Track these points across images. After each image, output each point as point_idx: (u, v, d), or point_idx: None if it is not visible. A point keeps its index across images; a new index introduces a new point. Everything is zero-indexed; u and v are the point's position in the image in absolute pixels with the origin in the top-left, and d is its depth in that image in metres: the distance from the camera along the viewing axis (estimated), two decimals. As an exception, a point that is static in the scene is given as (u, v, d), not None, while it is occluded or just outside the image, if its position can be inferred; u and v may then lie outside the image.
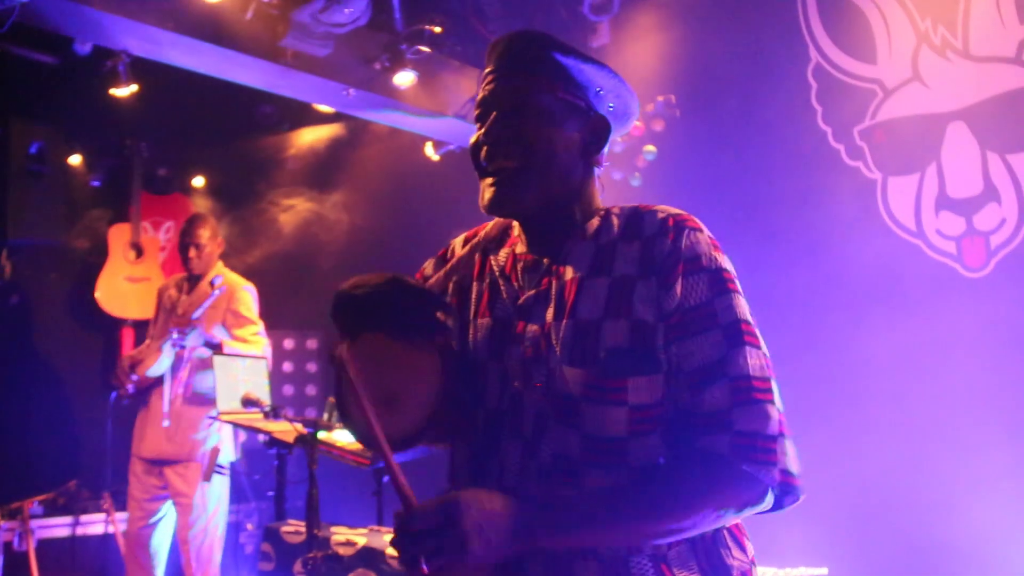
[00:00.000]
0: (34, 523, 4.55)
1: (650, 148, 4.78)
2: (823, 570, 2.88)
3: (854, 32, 4.25)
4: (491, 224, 1.56)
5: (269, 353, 4.43)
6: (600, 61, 1.46)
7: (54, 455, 5.22)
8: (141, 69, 4.10)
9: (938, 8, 4.03)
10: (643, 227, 1.36)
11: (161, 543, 4.32)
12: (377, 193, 5.87)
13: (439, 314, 1.36)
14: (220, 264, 4.52)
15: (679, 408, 1.29)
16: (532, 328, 1.36)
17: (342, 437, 3.52)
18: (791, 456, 1.26)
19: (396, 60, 4.19)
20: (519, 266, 1.45)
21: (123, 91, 4.01)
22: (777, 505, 1.28)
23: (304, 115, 5.87)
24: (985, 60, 3.89)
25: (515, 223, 1.49)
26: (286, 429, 3.47)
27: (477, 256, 1.51)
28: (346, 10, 3.60)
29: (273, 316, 5.97)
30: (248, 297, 4.42)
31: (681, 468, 1.27)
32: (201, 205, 6.32)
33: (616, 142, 4.85)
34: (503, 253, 1.49)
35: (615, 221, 1.41)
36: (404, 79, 4.28)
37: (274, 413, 3.55)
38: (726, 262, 1.35)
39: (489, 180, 1.39)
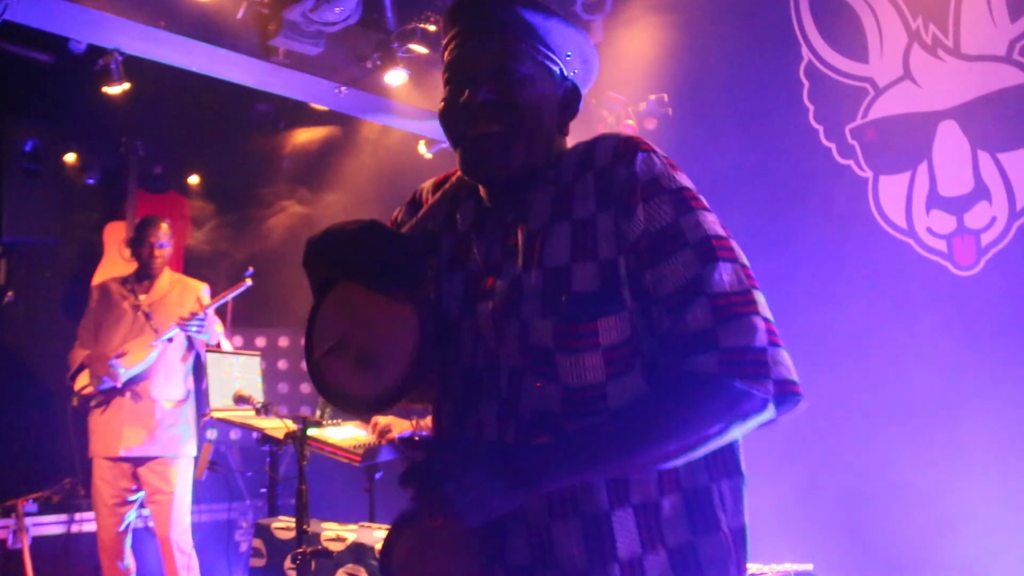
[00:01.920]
0: (28, 521, 4.54)
1: (643, 146, 4.78)
2: (808, 566, 2.89)
3: (846, 31, 4.26)
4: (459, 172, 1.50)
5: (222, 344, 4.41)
6: (560, 15, 1.41)
7: (48, 453, 5.22)
8: (137, 68, 4.10)
9: (929, 7, 4.04)
10: (595, 158, 1.32)
11: (129, 547, 4.25)
12: (371, 191, 5.88)
13: (419, 262, 1.33)
14: (167, 268, 4.51)
15: (661, 335, 1.25)
16: (502, 282, 1.33)
17: (333, 434, 3.53)
18: (784, 363, 1.23)
19: (388, 59, 4.20)
20: (486, 221, 1.42)
21: (116, 89, 4.02)
22: (778, 413, 1.24)
23: (299, 114, 5.88)
24: (976, 59, 3.90)
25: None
26: (277, 426, 3.47)
27: (447, 206, 1.47)
28: (336, 9, 3.60)
29: (268, 314, 5.99)
30: (208, 298, 4.43)
31: (674, 389, 1.23)
32: (196, 203, 6.33)
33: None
34: (472, 204, 1.45)
35: (570, 159, 1.37)
36: (396, 78, 4.28)
37: (265, 410, 3.56)
38: (685, 179, 1.31)
39: (469, 146, 1.35)
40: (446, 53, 1.41)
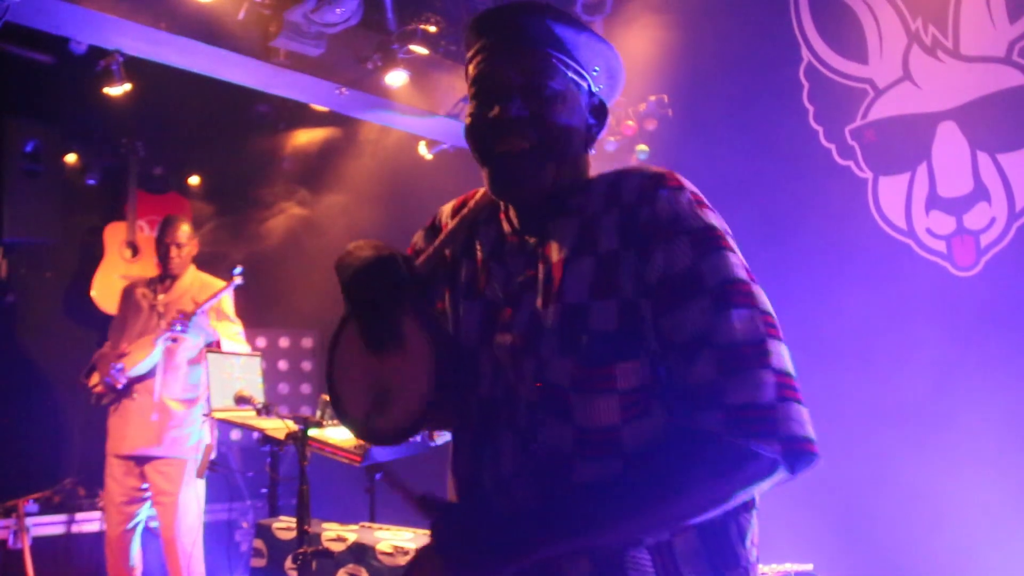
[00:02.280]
0: (29, 521, 4.55)
1: (643, 147, 4.79)
2: (809, 566, 2.89)
3: (845, 32, 4.26)
4: (480, 193, 1.46)
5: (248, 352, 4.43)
6: (590, 29, 1.38)
7: (49, 453, 5.23)
8: (138, 69, 4.11)
9: (929, 8, 4.04)
10: (622, 193, 1.27)
11: (137, 546, 4.27)
12: (372, 192, 5.89)
13: (432, 301, 1.33)
14: (192, 265, 4.53)
15: (673, 385, 1.20)
16: (521, 315, 1.30)
17: (334, 434, 3.54)
18: (797, 420, 1.15)
19: (388, 60, 4.21)
20: (506, 247, 1.38)
21: (117, 90, 4.02)
22: (792, 472, 1.16)
23: (299, 115, 5.89)
24: (975, 60, 3.91)
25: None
26: (278, 426, 3.48)
27: (466, 231, 1.44)
28: (337, 10, 3.61)
29: (268, 314, 6.00)
30: (228, 297, 4.44)
31: (678, 451, 1.18)
32: (197, 204, 6.34)
33: (608, 140, 4.88)
34: (492, 231, 1.42)
35: (597, 190, 1.32)
36: (396, 79, 4.29)
37: (266, 410, 3.56)
38: (712, 218, 1.25)
39: (499, 163, 1.31)
40: (471, 67, 1.36)
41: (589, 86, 1.36)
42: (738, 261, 1.23)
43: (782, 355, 1.19)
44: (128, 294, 4.51)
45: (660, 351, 1.21)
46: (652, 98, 4.78)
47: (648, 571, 1.20)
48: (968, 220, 3.88)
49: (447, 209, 1.52)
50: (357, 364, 1.37)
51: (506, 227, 1.39)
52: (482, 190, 1.45)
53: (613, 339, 1.21)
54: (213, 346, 4.27)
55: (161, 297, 4.39)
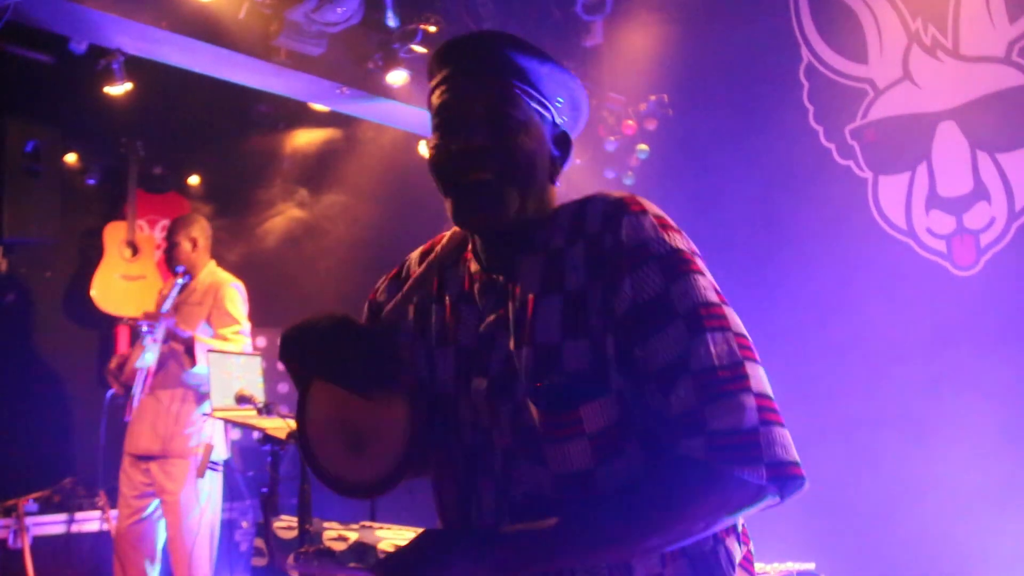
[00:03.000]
0: (29, 520, 4.54)
1: (643, 147, 4.80)
2: (810, 565, 2.90)
3: (846, 32, 4.27)
4: (447, 236, 1.44)
5: (250, 351, 4.45)
6: (554, 60, 1.35)
7: (49, 452, 5.22)
8: (138, 68, 4.11)
9: (929, 8, 4.05)
10: (585, 224, 1.25)
11: (151, 541, 4.29)
12: (372, 191, 5.89)
13: (394, 362, 1.28)
14: (212, 263, 4.55)
15: (654, 415, 1.18)
16: (495, 357, 1.28)
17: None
18: (781, 444, 1.14)
19: (389, 59, 4.21)
20: (476, 287, 1.35)
21: (117, 89, 4.02)
22: (780, 497, 1.16)
23: (300, 115, 5.88)
24: (975, 60, 3.92)
25: (476, 238, 1.36)
26: (279, 426, 3.48)
27: (434, 275, 1.40)
28: (339, 9, 3.61)
29: (268, 314, 5.99)
30: (234, 294, 4.44)
31: (662, 477, 1.17)
32: (197, 204, 6.33)
33: (608, 140, 4.89)
34: (460, 272, 1.39)
35: (561, 223, 1.29)
36: (397, 78, 4.29)
37: (267, 410, 3.56)
38: (678, 240, 1.22)
39: (462, 193, 1.28)
40: (435, 96, 1.34)
41: (553, 117, 1.34)
42: (708, 283, 1.20)
43: (760, 377, 1.18)
44: (159, 294, 4.57)
45: (634, 382, 1.19)
46: (652, 98, 4.79)
47: None
48: (968, 220, 3.89)
49: (415, 256, 1.48)
50: (330, 417, 1.35)
51: (473, 266, 1.36)
52: (448, 234, 1.43)
53: (580, 379, 1.19)
54: (189, 344, 4.27)
55: (175, 296, 4.42)
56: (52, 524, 4.66)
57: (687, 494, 1.14)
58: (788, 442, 1.16)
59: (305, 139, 6.24)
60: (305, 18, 3.76)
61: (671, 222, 1.25)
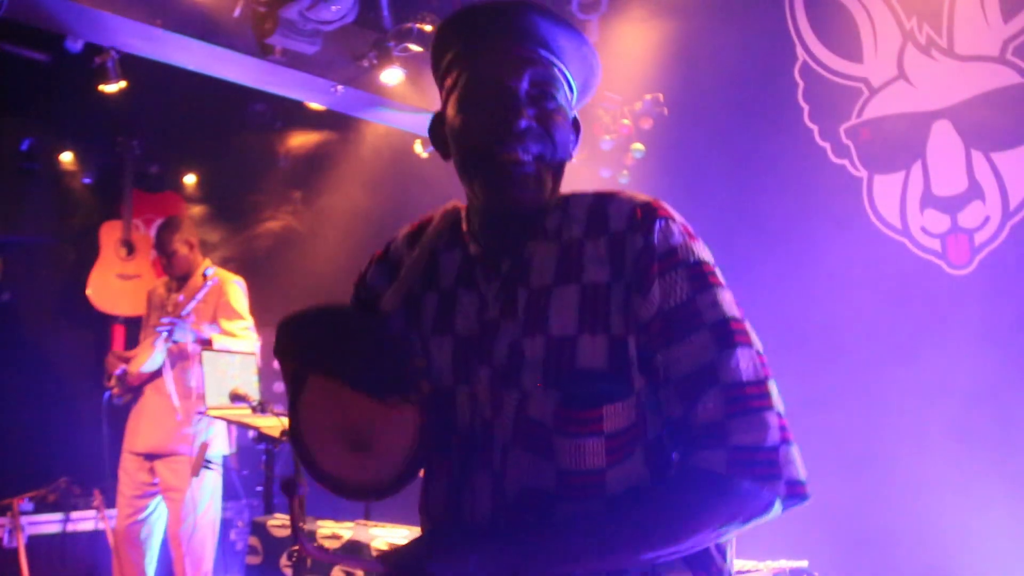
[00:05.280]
0: (24, 520, 4.55)
1: (638, 146, 4.80)
2: (803, 563, 2.90)
3: (840, 31, 4.27)
4: (437, 217, 1.39)
5: (258, 349, 4.45)
6: (581, 34, 1.30)
7: (44, 452, 5.22)
8: (134, 66, 4.11)
9: (923, 7, 4.05)
10: (608, 220, 1.23)
11: (149, 540, 4.31)
12: (369, 189, 5.89)
13: (414, 369, 1.20)
14: (207, 261, 4.56)
15: (670, 420, 1.18)
16: (500, 345, 1.24)
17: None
18: (794, 462, 1.15)
19: (384, 57, 4.21)
20: (476, 271, 1.30)
21: (112, 87, 4.02)
22: (784, 508, 1.17)
23: (296, 114, 5.89)
24: (970, 59, 3.92)
25: (478, 219, 1.31)
26: (273, 424, 3.48)
27: (427, 259, 1.35)
28: (333, 7, 3.62)
29: (266, 313, 5.99)
30: (238, 291, 4.45)
31: (678, 485, 1.17)
32: (193, 203, 6.34)
33: (604, 139, 4.89)
34: (456, 256, 1.34)
35: (576, 214, 1.27)
36: (392, 76, 4.30)
37: (261, 408, 3.56)
38: (704, 252, 1.22)
39: (499, 174, 1.22)
40: (462, 66, 1.26)
41: (572, 100, 1.32)
42: (731, 298, 1.21)
43: (778, 396, 1.19)
44: (152, 293, 4.57)
45: (647, 387, 1.19)
46: (648, 96, 4.79)
47: None
48: (962, 219, 3.89)
49: (402, 237, 1.43)
50: (329, 417, 1.28)
51: (472, 249, 1.31)
52: (439, 214, 1.39)
53: (602, 378, 1.18)
54: (206, 344, 4.28)
55: (174, 296, 4.41)
56: (47, 523, 4.67)
57: (706, 505, 1.14)
58: (800, 461, 1.17)
59: (301, 137, 6.24)
60: (300, 16, 3.76)
61: (693, 231, 1.24)
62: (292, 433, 1.31)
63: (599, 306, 1.19)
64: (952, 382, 3.68)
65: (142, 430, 4.27)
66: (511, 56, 1.23)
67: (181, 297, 4.31)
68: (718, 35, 4.57)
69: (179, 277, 4.45)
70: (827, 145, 4.27)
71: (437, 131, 1.35)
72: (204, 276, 4.30)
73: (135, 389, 4.32)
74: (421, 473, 1.32)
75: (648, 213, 1.21)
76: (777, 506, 1.16)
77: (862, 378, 3.93)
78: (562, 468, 1.19)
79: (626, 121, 4.82)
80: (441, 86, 1.33)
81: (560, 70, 1.26)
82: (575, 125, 1.34)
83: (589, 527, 1.16)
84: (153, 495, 4.30)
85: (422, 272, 1.35)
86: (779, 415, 1.17)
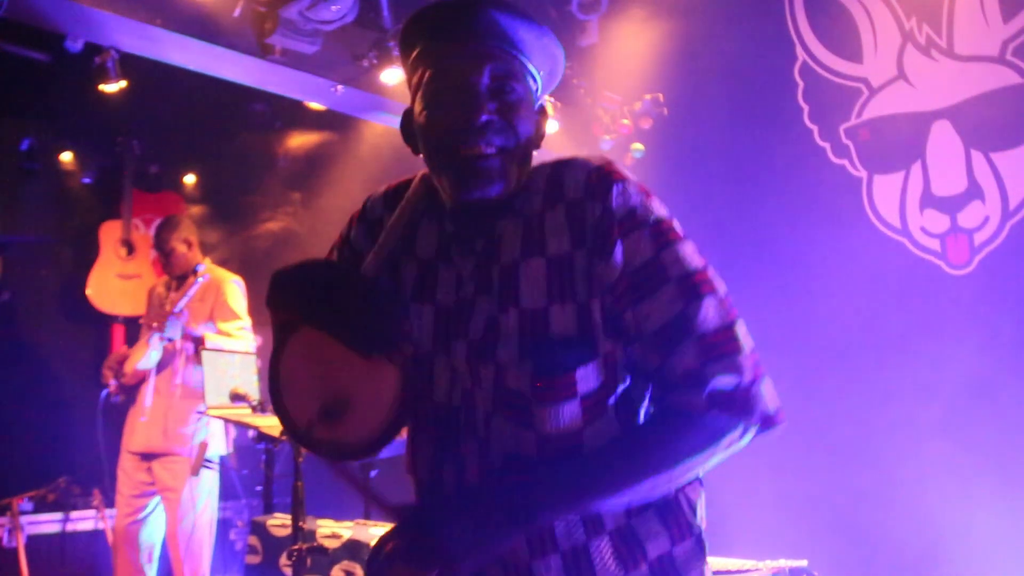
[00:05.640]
0: (24, 519, 4.54)
1: (638, 146, 4.80)
2: (803, 562, 2.90)
3: (840, 31, 4.28)
4: (416, 183, 1.41)
5: (255, 348, 4.45)
6: (541, 25, 1.32)
7: (44, 451, 5.22)
8: (133, 66, 4.10)
9: (923, 7, 4.06)
10: (564, 188, 1.26)
11: (149, 539, 4.31)
12: (368, 189, 5.83)
13: (401, 327, 1.26)
14: (208, 261, 4.55)
15: (644, 373, 1.26)
16: (476, 319, 1.28)
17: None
18: (768, 396, 1.23)
19: (384, 57, 4.21)
20: (452, 247, 1.34)
21: (112, 87, 4.02)
22: (759, 434, 1.25)
23: (296, 113, 5.89)
24: (969, 59, 3.92)
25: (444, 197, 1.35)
26: (273, 424, 3.48)
27: (404, 228, 1.38)
28: (333, 7, 3.61)
29: (264, 312, 5.99)
30: (235, 290, 4.44)
31: (658, 423, 1.25)
32: (193, 202, 6.33)
33: (603, 139, 4.89)
34: (434, 227, 1.37)
35: (535, 185, 1.30)
36: (392, 76, 4.29)
37: (262, 408, 3.56)
38: (660, 209, 1.26)
39: (464, 169, 1.26)
40: (425, 64, 1.30)
41: (538, 89, 1.35)
42: (692, 249, 1.26)
43: (746, 332, 1.25)
44: (152, 292, 4.57)
45: (615, 346, 1.24)
46: (647, 96, 4.79)
47: (609, 557, 1.25)
48: (962, 219, 3.90)
49: (378, 198, 1.46)
50: (310, 374, 1.30)
51: (448, 226, 1.35)
52: (416, 180, 1.41)
53: (573, 344, 1.23)
54: (198, 342, 4.27)
55: (172, 295, 4.41)
56: (47, 523, 4.67)
57: (685, 437, 1.21)
58: (773, 390, 1.25)
59: (301, 137, 6.24)
60: (299, 16, 3.75)
61: (648, 189, 1.28)
62: (271, 382, 1.33)
63: (564, 275, 1.24)
64: (951, 382, 3.68)
65: (138, 430, 4.26)
66: (471, 52, 1.27)
67: (186, 297, 4.30)
68: (718, 35, 4.57)
69: (178, 276, 4.45)
70: (827, 145, 4.27)
71: (407, 127, 1.39)
72: (195, 272, 4.30)
73: (131, 388, 4.32)
74: (403, 435, 1.36)
75: (603, 178, 1.25)
76: (751, 433, 1.23)
77: (861, 377, 3.93)
78: (542, 433, 1.24)
79: (626, 121, 4.82)
80: (408, 82, 1.37)
81: (521, 62, 1.30)
82: (542, 112, 1.37)
83: (575, 469, 1.22)
84: (152, 495, 4.30)
85: (401, 238, 1.37)
86: (750, 354, 1.23)
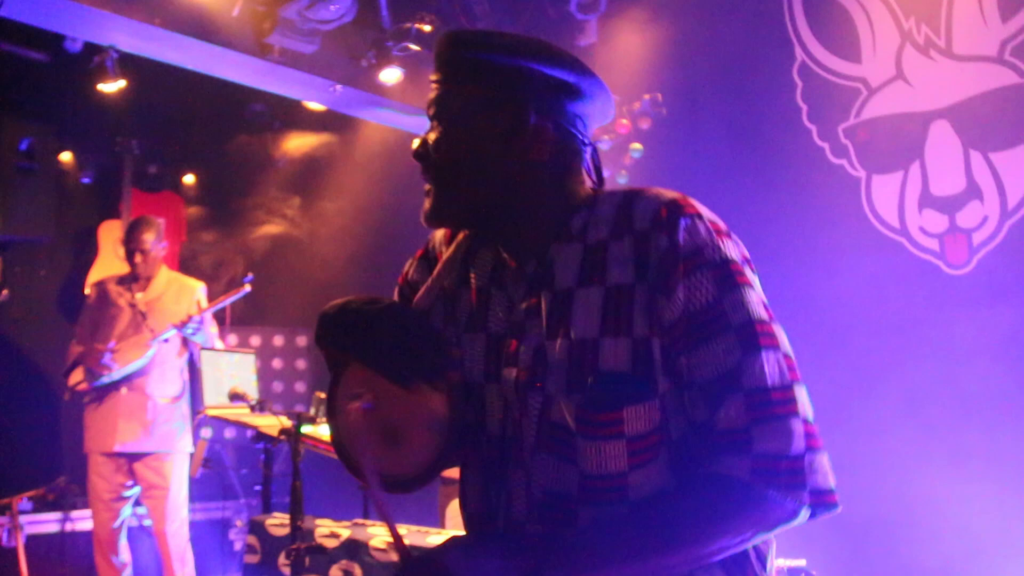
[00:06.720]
0: (23, 519, 4.54)
1: (637, 146, 4.80)
2: (801, 562, 2.90)
3: (839, 31, 4.28)
4: None
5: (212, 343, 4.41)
6: (527, 53, 1.24)
7: (43, 451, 5.22)
8: (133, 66, 4.11)
9: (922, 7, 4.06)
10: (633, 219, 1.19)
11: (127, 540, 4.29)
12: (366, 189, 5.90)
13: (447, 357, 1.24)
14: (164, 266, 4.50)
15: (694, 424, 1.16)
16: (527, 347, 1.23)
17: (327, 431, 3.53)
18: (822, 472, 1.13)
19: (382, 57, 4.21)
20: (506, 272, 1.30)
21: (111, 86, 4.03)
22: (811, 516, 1.15)
23: (295, 113, 5.90)
24: (968, 59, 3.92)
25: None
26: (272, 423, 3.48)
27: (461, 259, 1.36)
28: (332, 7, 3.62)
29: (264, 313, 6.00)
30: (202, 296, 4.47)
31: (703, 494, 1.14)
32: (192, 202, 6.34)
33: (603, 140, 4.89)
34: (488, 255, 1.34)
35: (603, 213, 1.24)
36: (390, 76, 4.30)
37: (260, 407, 3.56)
38: (732, 249, 1.18)
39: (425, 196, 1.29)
40: None
41: (510, 92, 1.24)
42: (759, 298, 1.18)
43: (806, 401, 1.16)
44: (102, 290, 4.45)
45: (672, 389, 1.16)
46: (646, 97, 4.79)
47: None
48: (960, 218, 3.90)
49: (439, 235, 1.43)
50: (366, 414, 1.29)
51: (501, 250, 1.31)
52: None
53: (624, 381, 1.16)
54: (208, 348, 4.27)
55: (140, 296, 4.36)
56: (46, 523, 4.67)
57: (728, 513, 1.12)
58: (828, 469, 1.15)
59: (300, 137, 6.25)
60: (298, 16, 3.76)
61: (723, 227, 1.21)
62: (328, 417, 1.34)
63: (622, 308, 1.17)
64: (950, 382, 3.68)
65: (120, 430, 4.19)
66: (434, 86, 1.28)
67: (220, 304, 4.30)
68: (717, 35, 4.57)
69: (146, 276, 4.38)
70: (825, 145, 4.27)
71: None
72: (243, 282, 4.27)
73: (106, 387, 4.22)
74: (455, 472, 1.34)
75: (674, 211, 1.17)
76: (803, 514, 1.13)
77: (859, 377, 3.93)
78: (584, 472, 1.18)
79: (625, 121, 4.83)
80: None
81: (463, 88, 1.24)
82: (511, 113, 1.24)
83: (610, 533, 1.14)
84: (128, 497, 4.25)
85: (457, 268, 1.35)
86: (805, 421, 1.13)
